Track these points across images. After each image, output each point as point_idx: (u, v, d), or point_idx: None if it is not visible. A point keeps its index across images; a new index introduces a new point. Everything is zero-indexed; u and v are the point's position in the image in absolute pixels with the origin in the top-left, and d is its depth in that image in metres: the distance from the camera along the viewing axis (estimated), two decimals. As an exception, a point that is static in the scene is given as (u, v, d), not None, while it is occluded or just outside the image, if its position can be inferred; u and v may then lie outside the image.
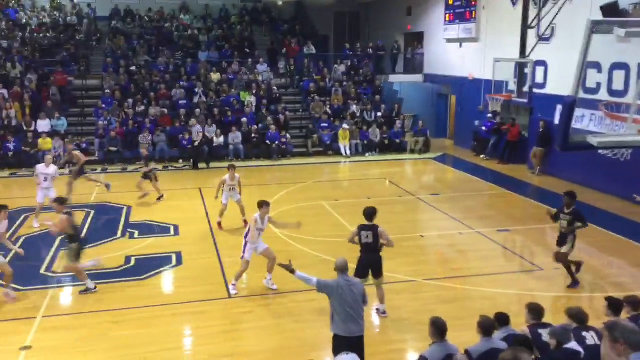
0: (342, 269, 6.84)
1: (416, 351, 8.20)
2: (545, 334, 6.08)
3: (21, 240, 12.59)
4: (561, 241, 10.11)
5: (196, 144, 20.63)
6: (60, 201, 10.21)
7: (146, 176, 15.77)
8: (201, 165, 20.42)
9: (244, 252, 9.90)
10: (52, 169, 13.90)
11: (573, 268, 10.15)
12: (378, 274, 8.93)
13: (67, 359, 8.00)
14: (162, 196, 15.78)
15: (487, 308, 8.83)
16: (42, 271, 10.97)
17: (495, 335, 6.05)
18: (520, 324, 6.60)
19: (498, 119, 21.44)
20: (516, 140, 20.42)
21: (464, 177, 19.33)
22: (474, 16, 22.47)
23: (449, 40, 24.40)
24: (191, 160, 20.48)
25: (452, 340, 5.93)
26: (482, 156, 21.65)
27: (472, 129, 22.94)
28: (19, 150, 19.54)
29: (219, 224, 13.45)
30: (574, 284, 10.11)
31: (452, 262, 11.72)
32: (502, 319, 6.31)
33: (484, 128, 21.98)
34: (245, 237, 9.88)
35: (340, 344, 6.52)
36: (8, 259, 10.30)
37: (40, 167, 13.93)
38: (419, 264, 11.42)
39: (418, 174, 20.87)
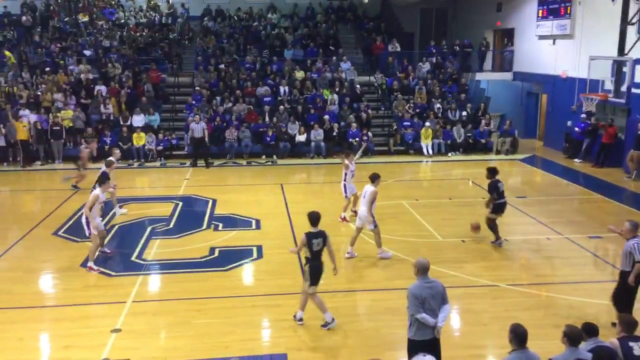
0: (423, 270, 6.65)
1: (495, 358, 8.00)
2: (637, 348, 5.87)
3: (114, 229, 13.35)
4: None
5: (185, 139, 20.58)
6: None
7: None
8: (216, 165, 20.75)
9: (374, 222, 11.15)
10: None
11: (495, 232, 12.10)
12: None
13: (153, 343, 8.40)
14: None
15: (574, 317, 8.54)
16: (133, 258, 11.56)
17: (582, 346, 5.81)
18: (609, 337, 6.27)
19: (593, 120, 20.32)
20: (612, 142, 19.27)
21: (553, 180, 18.50)
22: (568, 12, 21.42)
23: (541, 37, 23.41)
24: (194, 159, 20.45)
25: (535, 349, 5.74)
26: (576, 160, 20.62)
27: (564, 130, 21.90)
28: (114, 144, 20.70)
29: (344, 218, 13.77)
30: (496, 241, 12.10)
31: (538, 268, 11.25)
32: (590, 330, 6.04)
33: (577, 129, 20.90)
34: (371, 210, 11.08)
35: (416, 347, 6.43)
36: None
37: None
38: (501, 269, 11.07)
39: (504, 176, 19.88)
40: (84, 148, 17.76)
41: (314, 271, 8.58)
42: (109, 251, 11.70)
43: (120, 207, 14.43)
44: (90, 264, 10.83)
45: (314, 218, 8.65)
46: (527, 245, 12.52)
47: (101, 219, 11.58)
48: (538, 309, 9.35)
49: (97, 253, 11.11)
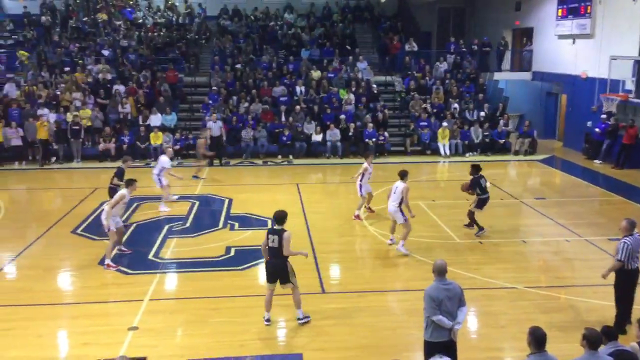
0: (440, 271, 6.60)
1: (514, 361, 7.92)
2: None
3: (132, 227, 13.44)
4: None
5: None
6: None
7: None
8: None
9: (404, 216, 11.51)
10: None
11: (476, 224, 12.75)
12: (284, 279, 8.64)
13: (169, 341, 8.44)
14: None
15: (593, 321, 8.46)
16: (150, 257, 11.64)
17: (602, 349, 5.75)
18: (629, 341, 6.18)
19: (613, 121, 20.03)
20: (633, 143, 18.98)
21: (573, 181, 18.28)
22: (588, 11, 21.14)
23: (561, 37, 23.15)
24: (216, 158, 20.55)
25: (553, 352, 5.67)
26: (596, 161, 20.35)
27: (584, 130, 21.64)
28: (132, 142, 20.88)
29: (358, 216, 13.98)
30: (478, 230, 12.66)
31: (557, 270, 11.12)
32: (610, 333, 5.99)
33: (597, 130, 20.64)
34: (400, 204, 11.45)
35: (432, 349, 6.39)
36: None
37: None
38: (520, 271, 10.95)
39: (522, 177, 19.97)
40: (198, 139, 19.28)
41: (266, 268, 8.72)
42: (126, 249, 11.81)
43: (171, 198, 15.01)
44: (108, 261, 10.97)
45: (277, 217, 8.75)
46: (546, 247, 12.39)
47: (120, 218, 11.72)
48: (557, 311, 9.24)
49: (114, 251, 11.21)
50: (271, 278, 8.69)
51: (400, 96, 24.22)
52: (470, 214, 12.78)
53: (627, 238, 8.31)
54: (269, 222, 13.72)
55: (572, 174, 19.09)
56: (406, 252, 11.57)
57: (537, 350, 5.55)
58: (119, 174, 12.99)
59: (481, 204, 12.58)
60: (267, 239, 8.60)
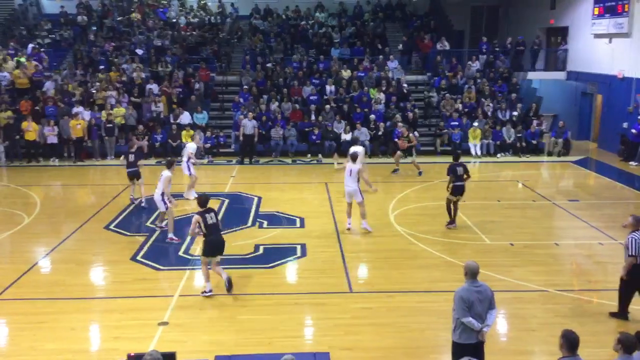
0: (472, 273, 6.49)
1: (544, 365, 7.80)
2: None
3: (164, 222, 13.56)
4: None
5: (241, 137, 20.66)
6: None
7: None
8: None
9: (362, 195, 12.77)
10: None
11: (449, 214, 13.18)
12: (222, 251, 9.74)
13: (198, 336, 8.53)
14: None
15: (627, 326, 8.28)
16: (180, 253, 11.78)
17: (636, 355, 5.64)
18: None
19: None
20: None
21: (607, 183, 17.87)
22: (626, 9, 20.65)
23: (597, 36, 22.66)
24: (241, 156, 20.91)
25: (586, 356, 5.60)
26: (631, 163, 19.87)
27: (620, 131, 21.16)
28: (165, 140, 21.17)
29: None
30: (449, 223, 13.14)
31: (590, 273, 10.91)
32: None
33: (633, 131, 20.15)
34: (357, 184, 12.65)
35: (461, 351, 6.34)
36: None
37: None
38: (552, 274, 10.76)
39: (555, 178, 19.62)
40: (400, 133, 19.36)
41: (211, 244, 9.51)
42: (163, 226, 12.84)
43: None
44: (171, 235, 12.11)
45: (203, 201, 9.63)
46: (579, 250, 12.16)
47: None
48: (590, 315, 9.08)
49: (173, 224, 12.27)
50: (216, 252, 9.62)
51: (432, 106, 23.83)
52: (447, 202, 13.10)
53: (635, 234, 8.64)
54: (298, 221, 13.81)
55: (606, 176, 18.67)
56: (370, 229, 12.74)
57: (569, 354, 5.48)
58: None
59: (454, 190, 12.89)
60: (204, 219, 9.35)
